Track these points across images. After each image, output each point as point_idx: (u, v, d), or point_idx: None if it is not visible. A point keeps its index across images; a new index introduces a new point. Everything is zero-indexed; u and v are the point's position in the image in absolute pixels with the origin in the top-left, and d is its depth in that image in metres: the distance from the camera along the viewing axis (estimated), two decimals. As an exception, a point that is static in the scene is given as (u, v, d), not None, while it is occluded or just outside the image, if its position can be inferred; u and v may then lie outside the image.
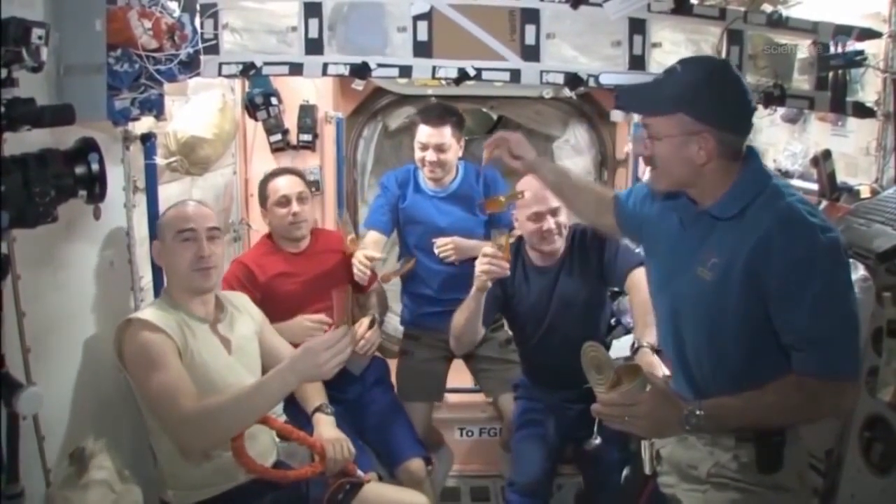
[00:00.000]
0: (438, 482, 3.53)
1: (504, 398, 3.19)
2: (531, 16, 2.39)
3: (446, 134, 3.05)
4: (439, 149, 3.06)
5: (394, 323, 3.83)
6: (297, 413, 2.51)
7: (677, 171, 1.66)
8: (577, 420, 2.71)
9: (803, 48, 2.47)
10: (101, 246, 2.16)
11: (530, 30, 2.40)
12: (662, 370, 2.17)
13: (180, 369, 1.99)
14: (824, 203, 2.53)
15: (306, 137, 3.78)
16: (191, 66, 2.25)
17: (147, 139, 2.37)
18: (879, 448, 2.04)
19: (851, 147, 2.68)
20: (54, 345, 1.88)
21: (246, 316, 2.40)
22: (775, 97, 2.44)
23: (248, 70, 2.37)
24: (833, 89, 2.46)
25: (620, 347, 2.71)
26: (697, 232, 1.71)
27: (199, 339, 2.13)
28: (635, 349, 2.36)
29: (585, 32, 2.43)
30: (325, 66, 2.40)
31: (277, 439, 2.38)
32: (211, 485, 2.13)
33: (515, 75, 2.43)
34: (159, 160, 2.50)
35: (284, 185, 2.90)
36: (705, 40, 2.45)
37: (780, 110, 2.88)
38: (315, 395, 2.49)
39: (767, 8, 2.52)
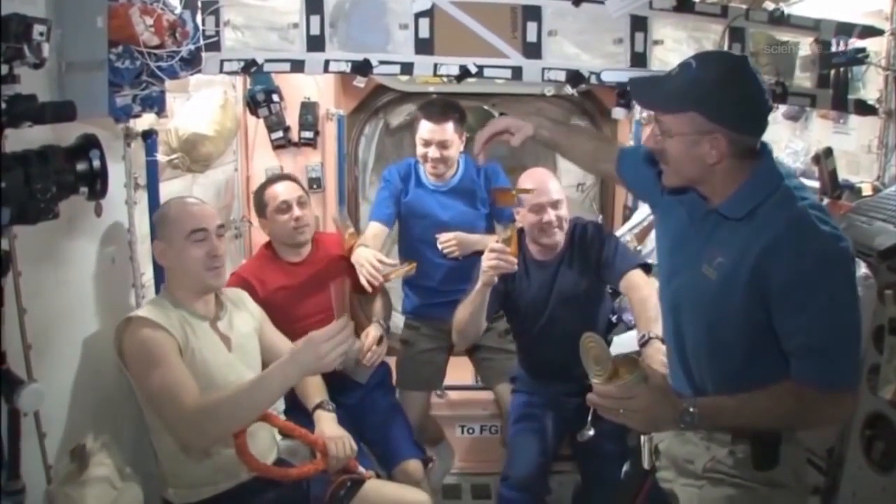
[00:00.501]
0: (439, 478, 3.55)
1: (502, 388, 3.20)
2: (533, 13, 2.39)
3: (449, 130, 3.05)
4: (442, 145, 3.06)
5: (396, 321, 3.83)
6: (300, 415, 2.52)
7: (688, 168, 1.63)
8: (574, 413, 2.71)
9: (805, 46, 2.47)
10: (103, 243, 2.16)
11: (532, 27, 2.40)
12: (661, 370, 2.17)
13: (181, 366, 1.99)
14: (826, 201, 2.52)
15: (308, 134, 3.78)
16: (192, 62, 2.24)
17: (148, 136, 2.38)
18: (881, 446, 2.04)
19: (853, 145, 2.68)
20: (55, 341, 1.89)
21: (245, 313, 2.39)
22: (777, 95, 2.44)
23: (250, 67, 2.36)
24: (835, 87, 2.46)
25: (621, 343, 2.71)
26: (705, 228, 1.69)
27: (199, 336, 2.13)
28: (644, 341, 2.35)
29: (587, 30, 2.43)
30: (327, 63, 2.39)
31: (278, 437, 2.38)
32: (212, 483, 2.13)
33: (517, 73, 2.42)
34: (161, 157, 2.50)
35: (283, 191, 2.83)
36: (707, 38, 2.45)
37: (782, 108, 2.88)
38: (316, 392, 2.49)
39: (769, 5, 2.51)
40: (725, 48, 2.43)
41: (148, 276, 2.45)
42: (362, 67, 2.39)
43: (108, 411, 2.12)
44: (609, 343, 2.64)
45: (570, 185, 4.26)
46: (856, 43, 2.40)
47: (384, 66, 2.41)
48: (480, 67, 2.40)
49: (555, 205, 2.64)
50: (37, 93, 1.53)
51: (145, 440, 2.18)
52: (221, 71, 2.38)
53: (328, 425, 2.37)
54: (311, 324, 2.57)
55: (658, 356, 2.20)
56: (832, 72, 2.44)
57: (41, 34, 1.50)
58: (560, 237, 2.70)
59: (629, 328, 2.94)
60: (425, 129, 3.06)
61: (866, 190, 2.48)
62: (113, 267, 2.23)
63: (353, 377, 2.86)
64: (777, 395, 1.58)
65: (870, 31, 2.39)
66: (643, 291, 2.51)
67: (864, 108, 2.46)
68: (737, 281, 1.58)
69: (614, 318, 2.97)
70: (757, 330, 1.60)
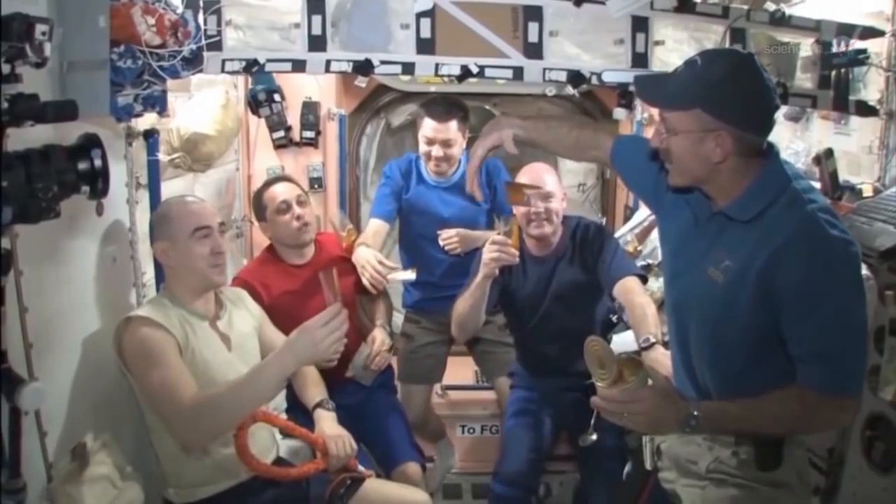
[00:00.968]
0: (441, 474, 3.56)
1: (502, 381, 3.21)
2: (534, 13, 2.39)
3: (452, 129, 3.04)
4: (445, 144, 3.05)
5: (396, 321, 3.83)
6: (300, 414, 2.52)
7: (692, 167, 1.61)
8: (571, 408, 2.72)
9: (806, 47, 2.46)
10: (104, 242, 2.16)
11: (533, 27, 2.40)
12: (665, 373, 2.17)
13: (180, 365, 1.99)
14: (827, 202, 2.52)
15: (309, 134, 3.78)
16: (194, 62, 2.24)
17: (150, 135, 2.38)
18: (881, 447, 2.04)
19: (854, 145, 2.68)
20: (56, 340, 1.89)
21: (245, 312, 2.40)
22: (778, 96, 2.43)
23: (251, 67, 2.36)
24: (836, 88, 2.45)
25: (622, 343, 2.71)
26: (711, 230, 1.68)
27: (199, 336, 2.13)
28: (648, 345, 2.34)
29: (588, 30, 2.42)
30: (328, 62, 2.39)
31: (279, 436, 2.38)
32: (212, 482, 2.13)
33: (518, 73, 2.42)
34: (162, 156, 2.50)
35: (282, 191, 2.80)
36: (708, 38, 2.44)
37: (783, 109, 2.88)
38: (316, 392, 2.49)
39: (770, 6, 2.51)
40: (726, 49, 2.43)
41: (149, 275, 2.45)
42: (364, 67, 2.39)
43: (108, 410, 2.11)
44: (608, 342, 2.64)
45: (570, 186, 4.27)
46: (857, 44, 2.40)
47: (385, 65, 2.40)
48: (481, 68, 2.40)
49: (545, 197, 2.64)
50: (39, 92, 1.53)
51: (146, 439, 2.18)
52: (223, 71, 2.37)
53: (328, 424, 2.37)
54: None
55: (663, 360, 2.19)
56: (833, 73, 2.44)
57: (43, 33, 1.50)
58: (548, 230, 2.69)
59: (629, 327, 2.94)
60: (429, 127, 3.05)
61: (867, 191, 2.49)
62: (114, 266, 2.23)
63: (359, 381, 2.87)
64: (783, 399, 1.57)
65: (871, 33, 2.39)
66: (640, 297, 2.49)
67: (865, 109, 2.46)
68: (744, 284, 1.57)
69: (614, 318, 2.97)
70: (762, 333, 1.60)
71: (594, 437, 2.23)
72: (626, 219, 3.78)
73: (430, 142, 3.06)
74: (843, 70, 2.43)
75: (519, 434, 2.79)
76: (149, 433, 2.14)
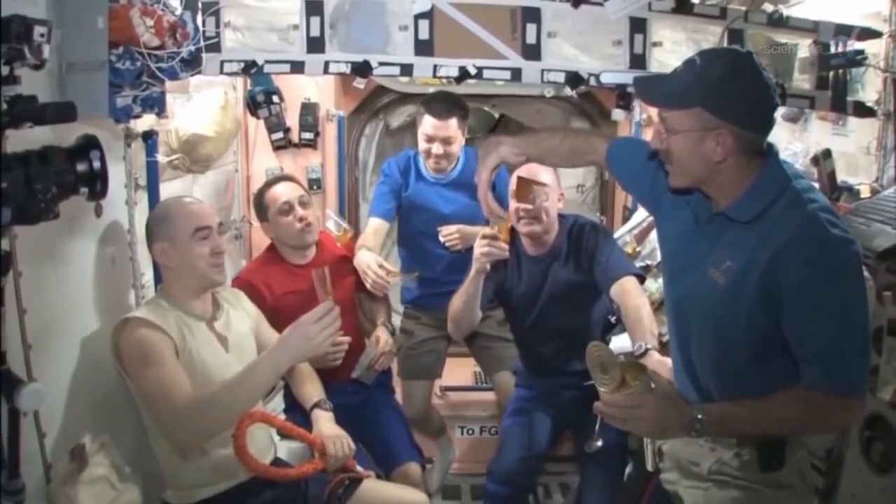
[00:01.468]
0: (442, 471, 3.56)
1: (499, 376, 3.22)
2: (532, 15, 2.40)
3: (452, 126, 3.04)
4: (446, 142, 3.05)
5: (395, 321, 3.84)
6: (299, 414, 2.52)
7: (693, 167, 1.60)
8: (570, 405, 2.72)
9: (804, 47, 2.47)
10: (103, 243, 2.16)
11: (531, 29, 2.40)
12: (667, 376, 2.16)
13: (177, 366, 1.99)
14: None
15: (308, 135, 3.78)
16: (192, 63, 2.25)
17: (149, 137, 2.38)
18: (879, 447, 2.05)
19: (852, 146, 2.69)
20: (55, 341, 1.89)
21: (242, 312, 2.39)
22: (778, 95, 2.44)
23: (250, 68, 2.37)
24: (833, 89, 2.46)
25: (621, 345, 2.70)
26: (712, 231, 1.67)
27: (196, 337, 2.13)
28: (641, 353, 2.33)
29: (586, 31, 2.43)
30: (327, 64, 2.39)
31: (276, 437, 2.38)
32: (210, 483, 2.13)
33: (516, 74, 2.43)
34: (161, 158, 2.50)
35: (284, 192, 2.78)
36: (706, 39, 2.45)
37: (781, 109, 2.87)
38: (313, 392, 2.50)
39: (768, 7, 2.51)
40: (724, 50, 2.44)
41: (148, 276, 2.45)
42: (362, 69, 2.39)
43: (107, 411, 2.12)
44: (607, 343, 2.64)
45: (569, 187, 4.26)
46: (854, 45, 2.40)
47: (384, 67, 2.41)
48: (480, 69, 2.40)
49: (551, 195, 2.65)
50: (37, 93, 1.53)
51: (145, 440, 2.18)
52: (222, 72, 2.38)
53: (326, 424, 2.37)
54: None
55: (659, 368, 2.18)
56: (831, 73, 2.44)
57: (42, 35, 1.51)
58: (538, 228, 2.67)
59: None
60: (429, 124, 3.04)
61: (864, 191, 2.49)
62: (113, 267, 2.23)
63: (362, 381, 2.87)
64: (787, 401, 1.56)
65: (868, 33, 2.39)
66: (636, 299, 2.46)
67: (863, 110, 2.46)
68: (746, 286, 1.57)
69: (613, 319, 2.97)
70: (764, 334, 1.59)
71: (599, 443, 2.23)
72: (625, 220, 3.78)
73: (431, 139, 3.06)
74: (840, 71, 2.44)
75: (514, 433, 2.80)
76: (147, 434, 2.14)
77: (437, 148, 3.06)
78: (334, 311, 1.87)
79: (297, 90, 3.74)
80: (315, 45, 2.37)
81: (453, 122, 3.04)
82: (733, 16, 2.43)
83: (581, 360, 1.65)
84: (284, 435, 2.35)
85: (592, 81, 2.46)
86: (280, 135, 3.74)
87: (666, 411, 1.56)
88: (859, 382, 1.56)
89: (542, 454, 2.83)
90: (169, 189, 2.58)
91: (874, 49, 2.46)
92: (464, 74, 2.40)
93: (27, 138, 1.58)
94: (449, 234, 3.08)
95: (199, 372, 2.06)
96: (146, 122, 2.36)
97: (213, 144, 2.80)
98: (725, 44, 2.42)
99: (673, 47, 2.45)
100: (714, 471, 1.73)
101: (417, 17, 2.37)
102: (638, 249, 3.27)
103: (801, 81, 2.49)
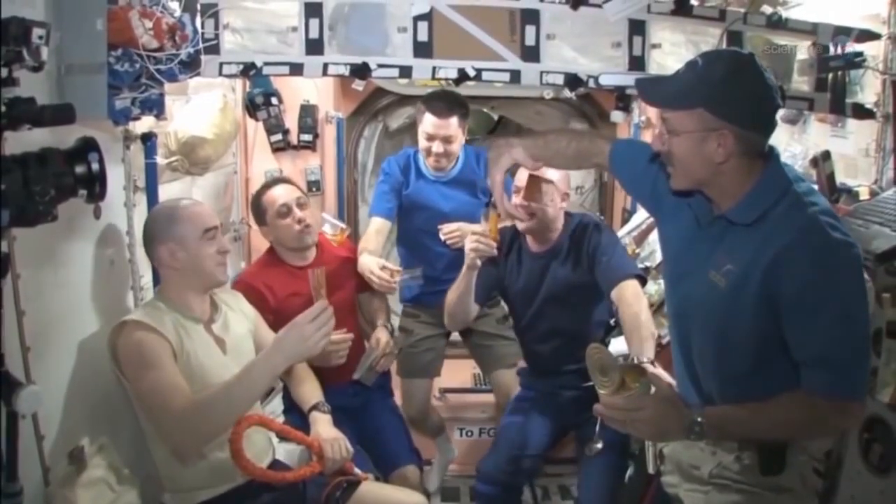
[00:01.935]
0: (441, 471, 3.57)
1: (497, 374, 3.23)
2: (531, 17, 2.40)
3: (453, 125, 3.04)
4: (446, 140, 3.06)
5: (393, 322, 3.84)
6: (297, 416, 2.51)
7: (695, 169, 1.60)
8: (569, 404, 2.72)
9: (803, 49, 2.46)
10: (101, 245, 2.16)
11: (530, 30, 2.40)
12: (667, 379, 2.16)
13: (174, 369, 1.99)
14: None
15: (307, 137, 3.78)
16: (191, 65, 2.25)
17: (147, 139, 2.37)
18: (879, 449, 2.04)
19: (851, 148, 2.68)
20: (54, 344, 1.89)
21: (240, 314, 2.39)
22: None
23: (249, 70, 2.37)
24: (832, 91, 2.45)
25: (621, 347, 2.70)
26: (713, 234, 1.67)
27: (194, 339, 2.13)
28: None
29: (585, 33, 2.43)
30: (326, 66, 2.40)
31: (275, 440, 2.38)
32: (208, 486, 2.13)
33: (515, 76, 2.42)
34: (160, 160, 2.50)
35: (282, 194, 2.77)
36: (705, 41, 2.44)
37: (780, 111, 2.87)
38: (311, 394, 2.49)
39: (767, 9, 2.51)
40: (723, 52, 2.43)
41: (147, 278, 2.45)
42: (361, 71, 2.39)
43: (106, 414, 2.11)
44: (606, 345, 2.63)
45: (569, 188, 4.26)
46: (853, 47, 2.40)
47: (383, 69, 2.41)
48: (479, 71, 2.40)
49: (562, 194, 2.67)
50: (36, 95, 1.53)
51: (143, 443, 2.17)
52: (220, 74, 2.38)
53: (324, 427, 2.37)
54: None
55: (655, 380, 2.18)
56: (830, 75, 2.44)
57: (40, 37, 1.51)
58: (533, 225, 2.67)
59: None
60: (429, 123, 3.04)
61: (864, 193, 2.48)
62: (112, 269, 2.23)
63: (362, 381, 2.87)
64: (787, 405, 1.56)
65: (867, 35, 2.39)
66: (634, 307, 2.44)
67: (862, 112, 2.46)
68: (747, 289, 1.57)
69: (613, 322, 2.96)
70: (766, 338, 1.59)
71: (599, 445, 2.23)
72: (624, 222, 3.78)
73: (431, 137, 3.06)
74: (839, 73, 2.44)
75: (506, 433, 2.80)
76: (145, 437, 2.14)
77: (437, 146, 3.06)
78: (328, 310, 1.89)
79: (296, 92, 3.75)
80: (314, 46, 2.37)
81: (454, 120, 3.04)
82: (732, 18, 2.43)
83: (579, 360, 1.65)
84: (283, 437, 2.34)
85: (591, 83, 2.45)
86: (279, 137, 3.74)
87: (665, 414, 1.55)
88: (860, 387, 1.55)
89: (538, 455, 2.81)
90: (168, 191, 2.58)
91: (873, 51, 2.45)
92: (463, 76, 2.40)
93: (25, 140, 1.57)
94: (450, 231, 3.08)
95: (197, 375, 2.05)
96: (145, 123, 2.35)
97: (212, 146, 2.79)
98: (724, 46, 2.41)
99: (672, 49, 2.45)
100: (715, 474, 1.73)
101: (416, 18, 2.37)
102: (637, 251, 3.27)
103: (800, 83, 2.49)
